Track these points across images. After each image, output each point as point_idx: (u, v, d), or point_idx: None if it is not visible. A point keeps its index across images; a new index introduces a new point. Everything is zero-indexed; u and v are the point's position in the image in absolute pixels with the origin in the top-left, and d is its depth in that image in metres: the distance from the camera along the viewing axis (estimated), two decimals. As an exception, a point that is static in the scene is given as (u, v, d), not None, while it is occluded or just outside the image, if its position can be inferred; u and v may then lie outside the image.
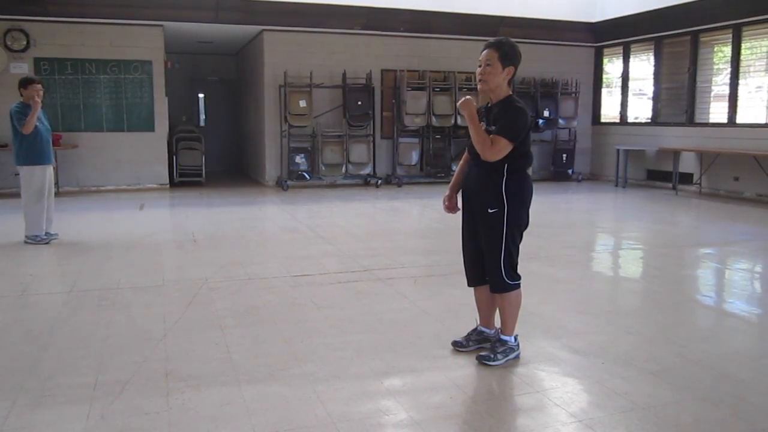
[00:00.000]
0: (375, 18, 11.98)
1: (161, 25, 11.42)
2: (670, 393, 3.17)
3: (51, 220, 7.01)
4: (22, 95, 6.73)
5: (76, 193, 11.14)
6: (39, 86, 6.81)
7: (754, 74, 10.88)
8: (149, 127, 11.67)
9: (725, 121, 11.13)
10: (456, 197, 3.69)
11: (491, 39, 3.46)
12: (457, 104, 3.44)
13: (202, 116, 16.28)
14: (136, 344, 3.82)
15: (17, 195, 7.31)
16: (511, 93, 3.46)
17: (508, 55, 3.37)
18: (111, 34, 11.17)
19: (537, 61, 13.02)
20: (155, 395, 3.11)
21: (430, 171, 12.65)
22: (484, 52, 3.40)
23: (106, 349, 3.76)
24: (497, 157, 3.30)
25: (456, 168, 3.78)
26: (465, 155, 3.70)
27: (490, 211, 3.38)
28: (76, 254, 6.41)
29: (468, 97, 3.42)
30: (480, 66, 3.41)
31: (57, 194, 8.31)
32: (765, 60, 10.69)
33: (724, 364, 3.57)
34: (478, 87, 3.48)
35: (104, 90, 11.31)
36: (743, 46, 10.88)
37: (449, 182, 3.76)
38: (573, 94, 13.52)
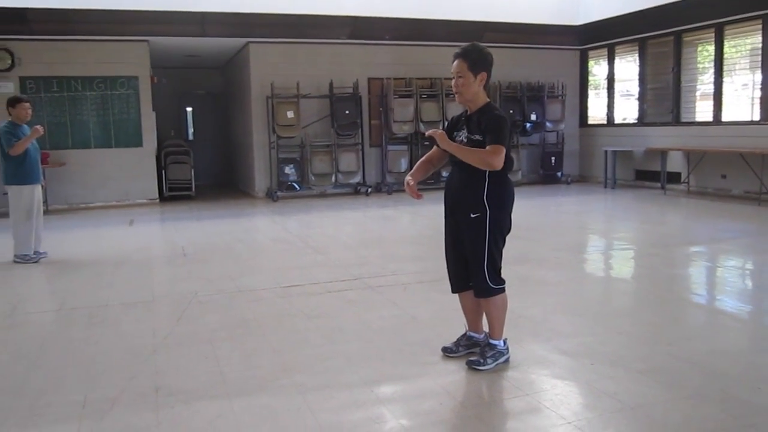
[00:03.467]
0: (360, 27, 12.02)
1: (146, 41, 11.43)
2: (659, 392, 3.19)
3: (40, 239, 6.98)
4: (10, 114, 6.70)
5: (65, 210, 11.10)
6: (27, 105, 6.79)
7: (739, 72, 10.97)
8: (137, 142, 11.65)
9: (711, 119, 11.20)
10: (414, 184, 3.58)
11: (459, 48, 3.44)
12: (432, 134, 3.39)
13: (191, 130, 16.28)
14: (126, 360, 3.81)
15: (5, 215, 7.28)
16: (488, 100, 3.47)
17: (477, 63, 3.38)
18: (96, 50, 11.16)
19: (523, 65, 13.09)
20: (145, 411, 3.10)
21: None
22: (454, 63, 3.40)
23: (95, 366, 3.75)
24: (502, 163, 3.28)
25: (422, 162, 3.73)
26: (429, 154, 3.69)
27: (472, 216, 3.39)
28: (65, 272, 6.39)
29: (434, 131, 3.39)
30: (454, 78, 3.41)
31: (45, 212, 8.27)
32: (749, 58, 10.77)
33: (712, 361, 3.59)
34: (456, 99, 3.49)
35: (91, 107, 11.30)
36: (726, 44, 10.96)
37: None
38: (559, 97, 13.58)
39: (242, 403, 3.16)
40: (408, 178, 3.58)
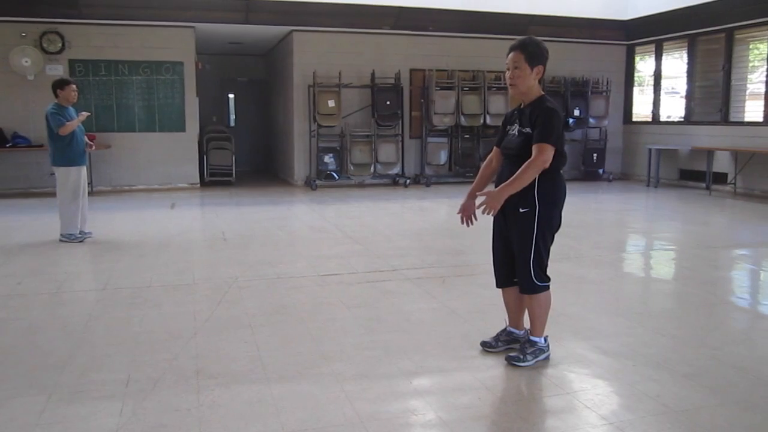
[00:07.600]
0: (404, 18, 11.97)
1: (192, 27, 11.56)
2: (703, 396, 3.12)
3: (85, 219, 7.13)
4: (57, 96, 6.83)
5: (109, 192, 11.32)
6: (74, 87, 6.92)
7: (792, 72, 10.65)
8: (180, 127, 11.82)
9: (761, 119, 10.90)
10: (473, 204, 3.56)
11: (515, 40, 3.41)
12: (485, 211, 3.33)
13: (232, 116, 16.44)
14: (167, 342, 3.87)
15: (52, 194, 7.45)
16: (542, 93, 3.43)
17: (535, 55, 3.34)
18: (143, 35, 11.34)
19: (567, 60, 12.90)
20: (186, 392, 3.15)
21: (459, 171, 12.60)
22: (510, 54, 3.37)
23: (138, 346, 3.82)
24: (550, 161, 3.24)
25: (484, 169, 3.71)
26: (489, 156, 3.67)
27: (521, 210, 3.35)
28: (109, 253, 6.52)
29: (486, 202, 3.31)
30: (508, 70, 3.38)
31: (90, 194, 8.44)
32: (802, 57, 10.46)
33: (759, 367, 3.50)
34: (510, 91, 3.45)
35: (136, 91, 11.49)
36: (780, 42, 10.65)
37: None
38: (604, 93, 13.36)
39: (281, 389, 3.19)
40: (463, 202, 3.56)
